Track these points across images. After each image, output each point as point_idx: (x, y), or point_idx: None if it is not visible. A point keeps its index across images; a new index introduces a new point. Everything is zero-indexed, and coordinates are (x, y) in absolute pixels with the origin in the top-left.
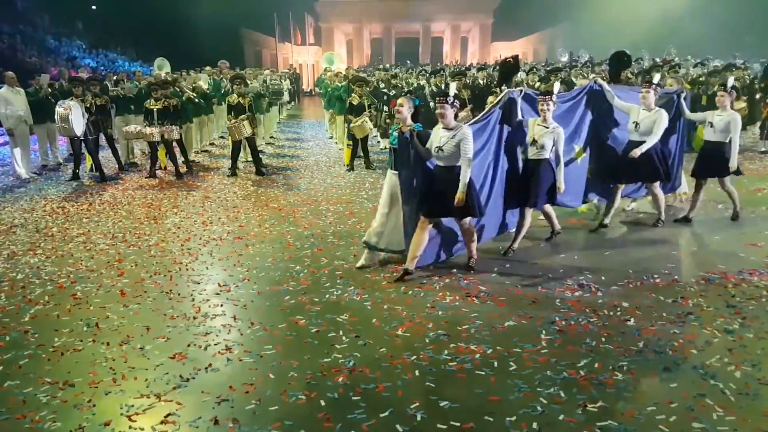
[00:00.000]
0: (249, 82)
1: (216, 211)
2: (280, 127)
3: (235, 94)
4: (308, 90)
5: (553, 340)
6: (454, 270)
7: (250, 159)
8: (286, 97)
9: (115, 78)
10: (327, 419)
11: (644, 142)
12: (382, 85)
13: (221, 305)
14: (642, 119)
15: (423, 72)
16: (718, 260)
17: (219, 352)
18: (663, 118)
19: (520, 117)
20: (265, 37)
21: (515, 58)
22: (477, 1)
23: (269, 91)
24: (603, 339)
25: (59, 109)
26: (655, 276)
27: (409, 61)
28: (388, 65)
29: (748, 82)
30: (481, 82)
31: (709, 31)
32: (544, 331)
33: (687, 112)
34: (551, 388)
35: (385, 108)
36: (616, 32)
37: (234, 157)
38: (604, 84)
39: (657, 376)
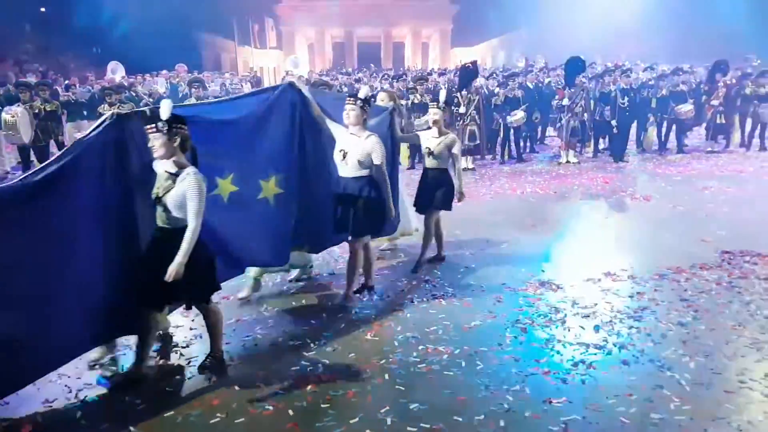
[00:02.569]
0: (208, 86)
1: None
2: None
3: (194, 99)
4: None
5: (517, 338)
6: (425, 275)
7: None
8: None
9: (66, 82)
10: (296, 428)
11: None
12: (345, 89)
13: (184, 315)
14: (352, 146)
15: (386, 76)
16: (671, 256)
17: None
18: (377, 147)
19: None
20: (225, 41)
21: (474, 63)
22: (437, 7)
23: (229, 95)
24: (565, 335)
25: (5, 116)
26: (613, 273)
27: (372, 65)
28: (350, 69)
29: (694, 86)
30: (443, 87)
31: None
32: (508, 329)
33: (399, 132)
34: (517, 385)
35: None
36: (570, 38)
37: None
38: (305, 89)
39: (617, 370)
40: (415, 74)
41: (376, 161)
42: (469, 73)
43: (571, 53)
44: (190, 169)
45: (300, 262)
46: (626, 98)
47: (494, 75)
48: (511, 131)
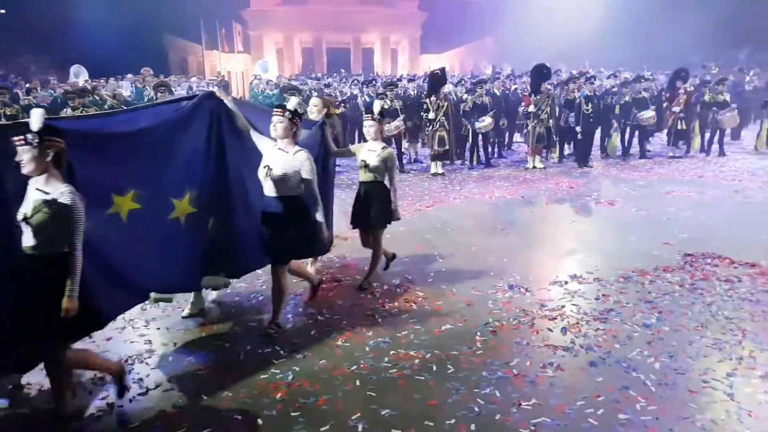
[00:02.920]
0: (174, 89)
1: None
2: None
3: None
4: (238, 97)
5: (488, 341)
6: (396, 280)
7: None
8: None
9: (27, 86)
10: None
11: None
12: (314, 95)
13: (145, 326)
14: (279, 162)
15: (356, 82)
16: (635, 259)
17: (146, 375)
18: (307, 164)
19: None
20: (191, 44)
21: (442, 70)
22: (405, 14)
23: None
24: (533, 337)
25: None
26: (579, 276)
27: (343, 71)
28: (320, 74)
29: (656, 93)
30: (412, 93)
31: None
32: (478, 333)
33: (332, 146)
34: (487, 388)
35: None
36: (536, 46)
37: None
38: (228, 99)
39: (584, 371)
40: (384, 80)
41: (307, 176)
42: (437, 79)
43: (537, 61)
44: (65, 188)
45: (215, 285)
46: (590, 105)
47: (462, 82)
48: (480, 137)
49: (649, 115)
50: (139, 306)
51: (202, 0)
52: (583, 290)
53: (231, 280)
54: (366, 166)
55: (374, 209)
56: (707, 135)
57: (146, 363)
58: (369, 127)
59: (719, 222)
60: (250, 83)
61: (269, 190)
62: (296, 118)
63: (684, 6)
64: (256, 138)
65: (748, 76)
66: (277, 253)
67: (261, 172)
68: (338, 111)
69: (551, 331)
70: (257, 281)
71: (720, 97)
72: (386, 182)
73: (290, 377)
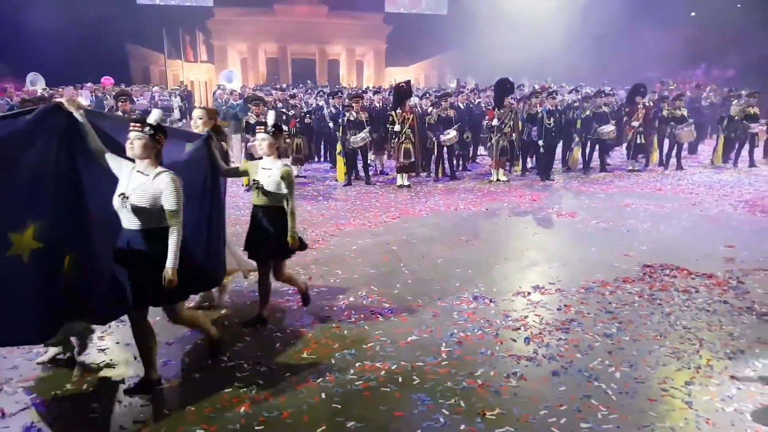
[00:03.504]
0: (136, 99)
1: None
2: None
3: (120, 112)
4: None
5: (452, 352)
6: (362, 291)
7: None
8: (177, 114)
9: None
10: None
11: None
12: (279, 105)
13: (109, 337)
14: (137, 188)
15: (321, 93)
16: (596, 270)
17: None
18: (170, 188)
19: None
20: (154, 53)
21: (407, 83)
22: (370, 27)
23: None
24: (497, 347)
25: None
26: (542, 286)
27: (309, 81)
28: (285, 85)
29: (615, 108)
30: (378, 105)
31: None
32: (444, 344)
33: (221, 163)
34: (452, 398)
35: (285, 128)
36: (499, 60)
37: None
38: (79, 113)
39: (547, 381)
40: (351, 92)
41: (169, 206)
42: (403, 92)
43: (500, 75)
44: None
45: (75, 334)
46: (552, 119)
47: (428, 95)
48: (445, 149)
49: (609, 129)
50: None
51: (165, 9)
52: (546, 301)
53: (95, 327)
54: (259, 187)
55: (271, 238)
56: (665, 149)
57: (106, 373)
58: (261, 141)
59: (677, 234)
60: (214, 93)
61: (126, 221)
62: (159, 134)
63: (643, 25)
64: (112, 159)
65: (705, 92)
66: (136, 297)
67: (116, 201)
68: (227, 123)
69: (515, 341)
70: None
71: (677, 112)
72: (285, 206)
73: (254, 391)
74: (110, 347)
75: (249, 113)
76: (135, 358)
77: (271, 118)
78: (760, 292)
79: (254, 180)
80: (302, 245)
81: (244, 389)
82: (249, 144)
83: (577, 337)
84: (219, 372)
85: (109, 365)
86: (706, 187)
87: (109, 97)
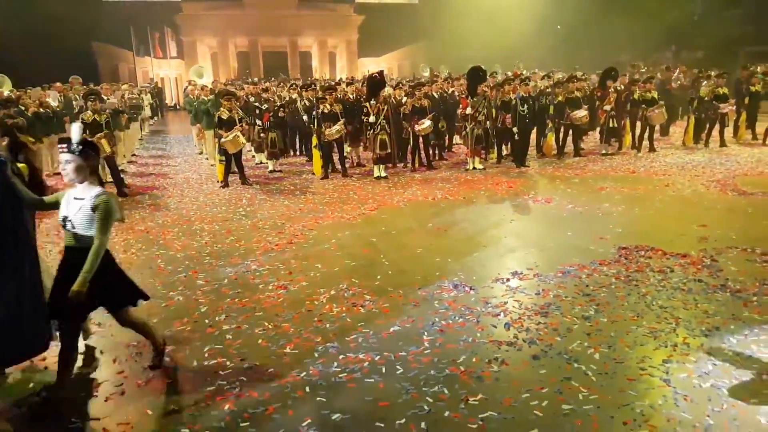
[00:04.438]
0: (105, 97)
1: None
2: (142, 144)
3: (89, 111)
4: (172, 104)
5: (435, 340)
6: (343, 284)
7: (110, 180)
8: (147, 112)
9: None
10: None
11: None
12: (252, 99)
13: (85, 341)
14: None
15: (294, 85)
16: (573, 254)
17: (89, 391)
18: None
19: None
20: (122, 51)
21: (380, 73)
22: (341, 18)
23: (128, 107)
24: (478, 334)
25: None
26: (520, 272)
27: (282, 74)
28: (256, 79)
29: (588, 92)
30: (351, 96)
31: (552, 47)
32: (426, 333)
33: (26, 193)
34: (436, 386)
35: (258, 122)
36: (471, 48)
37: None
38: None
39: (528, 365)
40: (324, 84)
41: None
42: (376, 83)
43: (472, 63)
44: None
45: None
46: (526, 106)
47: (401, 85)
48: (420, 139)
49: (581, 114)
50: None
51: (132, 5)
52: (524, 286)
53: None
54: (67, 224)
55: (93, 288)
56: (638, 132)
57: (86, 380)
58: (66, 163)
59: (651, 215)
60: (185, 89)
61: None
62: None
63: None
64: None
65: (674, 74)
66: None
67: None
68: (31, 140)
69: (495, 327)
70: (198, 292)
71: (648, 94)
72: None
73: (238, 388)
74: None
75: (221, 108)
76: (114, 361)
77: (75, 133)
78: (733, 269)
79: (63, 216)
80: (127, 296)
81: (228, 387)
82: (222, 140)
83: (556, 320)
84: (201, 370)
85: (91, 368)
86: (679, 168)
87: (77, 96)
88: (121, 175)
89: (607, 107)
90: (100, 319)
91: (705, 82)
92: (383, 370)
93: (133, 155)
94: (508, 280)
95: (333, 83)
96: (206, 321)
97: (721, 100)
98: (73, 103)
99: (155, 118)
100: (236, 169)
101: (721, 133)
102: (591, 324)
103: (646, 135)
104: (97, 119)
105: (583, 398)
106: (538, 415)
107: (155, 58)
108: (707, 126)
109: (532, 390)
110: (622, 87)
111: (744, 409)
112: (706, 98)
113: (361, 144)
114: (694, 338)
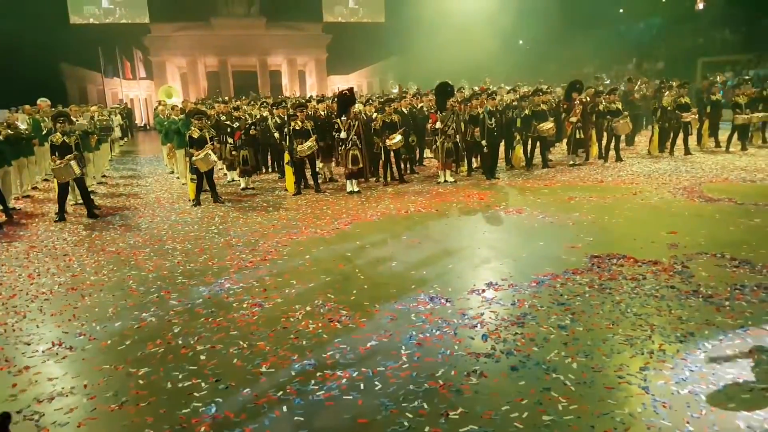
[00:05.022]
0: (75, 119)
1: (44, 261)
2: (113, 165)
3: (59, 133)
4: (142, 124)
5: (413, 354)
6: (318, 300)
7: (80, 201)
8: (117, 132)
9: None
10: None
11: None
12: (223, 117)
13: (58, 364)
14: None
15: (265, 103)
16: (546, 264)
17: (58, 419)
18: None
19: None
20: (90, 72)
21: (351, 90)
22: (310, 37)
23: (98, 128)
24: (456, 346)
25: None
26: (495, 283)
27: (252, 92)
28: (227, 98)
29: (554, 105)
30: (322, 113)
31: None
32: (403, 346)
33: None
34: (415, 401)
35: (230, 140)
36: (439, 64)
37: (61, 200)
38: None
39: (507, 376)
40: (295, 101)
41: None
42: (346, 99)
43: (440, 79)
44: None
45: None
46: (493, 119)
47: (371, 101)
48: (392, 154)
49: (548, 126)
50: (47, 345)
51: (100, 27)
52: (500, 297)
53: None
54: None
55: None
56: (604, 142)
57: (56, 405)
58: None
59: (621, 224)
60: (155, 109)
61: None
62: None
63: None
64: None
65: (637, 85)
66: None
67: None
68: None
69: (473, 339)
70: (171, 313)
71: (613, 105)
72: None
73: (213, 410)
74: (59, 377)
75: (192, 127)
76: (85, 386)
77: None
78: (704, 275)
79: None
80: None
81: (203, 408)
82: (193, 158)
83: (533, 330)
84: (176, 392)
85: (59, 394)
86: (646, 177)
87: (46, 119)
88: (91, 197)
89: (574, 119)
90: (72, 343)
91: (667, 92)
92: (361, 386)
93: (104, 176)
94: (483, 291)
95: (304, 101)
96: (179, 342)
97: (684, 109)
98: (41, 125)
99: (125, 139)
100: (208, 188)
101: (685, 141)
102: (567, 333)
103: (612, 145)
104: (67, 141)
105: (563, 408)
106: (519, 428)
107: (124, 79)
108: (671, 135)
109: (512, 402)
110: (588, 99)
111: (723, 414)
112: (669, 108)
113: (334, 160)
114: (669, 345)
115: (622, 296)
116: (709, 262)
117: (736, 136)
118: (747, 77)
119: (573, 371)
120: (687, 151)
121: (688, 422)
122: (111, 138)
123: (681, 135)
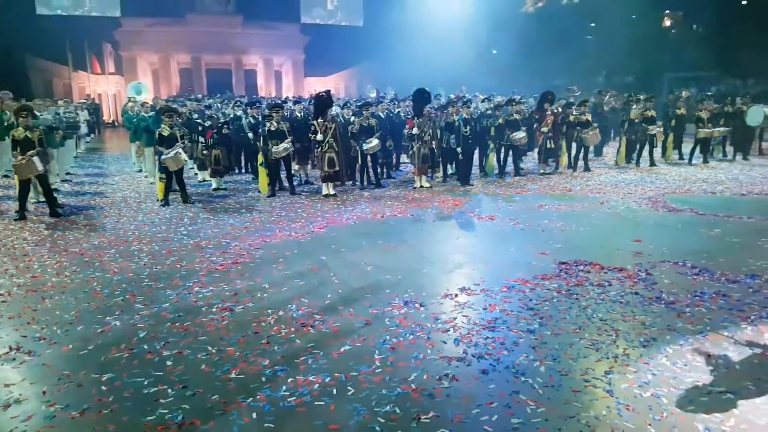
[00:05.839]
0: (38, 113)
1: (2, 261)
2: (78, 162)
3: (21, 128)
4: (110, 121)
5: (386, 358)
6: (292, 304)
7: (43, 199)
8: (84, 129)
9: None
10: None
11: None
12: (195, 116)
13: (15, 370)
14: None
15: (239, 103)
16: (516, 269)
17: (15, 428)
18: None
19: None
20: (57, 66)
21: (327, 92)
22: (287, 37)
23: (63, 124)
24: (429, 351)
25: None
26: (467, 288)
27: (227, 91)
28: (200, 96)
29: (527, 115)
30: (299, 114)
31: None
32: (377, 351)
33: None
34: (387, 406)
35: (201, 139)
36: (416, 70)
37: (22, 198)
38: None
39: (477, 380)
40: (270, 102)
41: None
42: (323, 101)
43: (417, 85)
44: None
45: None
46: (468, 127)
47: (349, 104)
48: (368, 158)
49: (520, 135)
50: (4, 350)
51: (68, 19)
52: (472, 302)
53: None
54: None
55: None
56: (573, 152)
57: (12, 412)
58: None
59: (588, 231)
60: (124, 106)
61: None
62: None
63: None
64: None
65: (606, 98)
66: None
67: None
68: None
69: (445, 343)
70: (137, 317)
71: (583, 117)
72: None
73: (180, 417)
74: (17, 383)
75: (162, 125)
76: (44, 393)
77: None
78: (666, 282)
79: None
80: None
81: (169, 416)
82: (162, 157)
83: (503, 334)
84: (140, 398)
85: (15, 401)
86: (612, 187)
87: (8, 112)
88: (54, 195)
89: (545, 129)
90: (30, 347)
91: (635, 105)
92: (334, 391)
93: (68, 174)
94: (456, 295)
95: (280, 101)
96: (145, 347)
97: (650, 122)
98: (3, 118)
99: (92, 135)
100: (177, 187)
101: (651, 153)
102: (536, 337)
103: (581, 155)
104: (30, 136)
105: (531, 411)
106: (488, 431)
107: (93, 74)
108: (638, 147)
109: (482, 405)
110: (559, 110)
111: (683, 416)
112: (636, 120)
113: (309, 162)
114: (633, 349)
115: (589, 302)
116: (671, 269)
117: (698, 149)
118: (710, 93)
119: (541, 374)
120: (652, 163)
121: (650, 424)
122: (77, 134)
123: (647, 147)
